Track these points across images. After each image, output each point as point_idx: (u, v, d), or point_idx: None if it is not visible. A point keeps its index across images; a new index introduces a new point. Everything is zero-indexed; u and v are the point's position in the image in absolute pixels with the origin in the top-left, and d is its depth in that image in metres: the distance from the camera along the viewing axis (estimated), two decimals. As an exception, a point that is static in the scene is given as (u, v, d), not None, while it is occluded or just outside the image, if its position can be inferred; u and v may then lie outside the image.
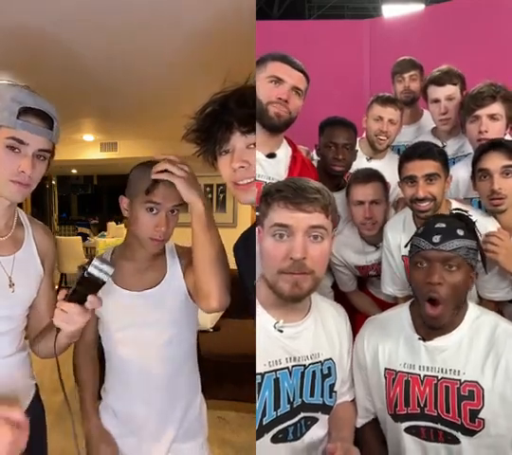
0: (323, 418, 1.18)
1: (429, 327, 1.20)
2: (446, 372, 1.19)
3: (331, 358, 1.20)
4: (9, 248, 1.24)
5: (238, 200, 1.13)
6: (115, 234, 7.90)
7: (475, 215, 1.58)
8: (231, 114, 1.07)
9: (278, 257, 1.05)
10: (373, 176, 1.89)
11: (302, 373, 1.14)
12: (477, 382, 1.15)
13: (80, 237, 7.46)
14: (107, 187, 12.87)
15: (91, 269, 1.02)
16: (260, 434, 1.07)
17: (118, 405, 1.42)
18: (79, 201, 15.14)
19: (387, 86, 2.36)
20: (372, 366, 1.27)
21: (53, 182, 13.37)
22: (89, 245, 7.75)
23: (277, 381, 1.09)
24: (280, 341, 1.12)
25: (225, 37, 2.37)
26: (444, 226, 1.19)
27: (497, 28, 2.63)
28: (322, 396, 1.16)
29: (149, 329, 1.35)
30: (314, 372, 1.16)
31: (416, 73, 2.31)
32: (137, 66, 2.94)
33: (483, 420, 1.14)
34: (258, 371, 1.07)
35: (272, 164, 1.50)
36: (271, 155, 1.50)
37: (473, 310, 1.24)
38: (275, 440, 1.10)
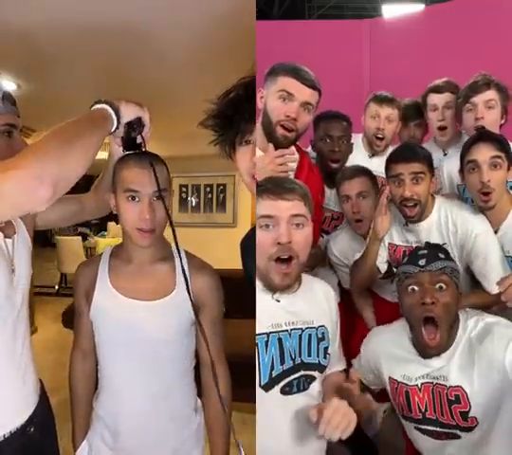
0: (320, 377, 1.27)
1: (426, 353, 1.29)
2: (438, 378, 1.29)
3: (324, 325, 1.27)
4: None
5: (254, 193, 1.13)
6: (115, 234, 7.90)
7: (465, 213, 1.60)
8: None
9: (266, 244, 1.14)
10: (359, 172, 1.92)
11: (300, 336, 1.22)
12: (460, 386, 1.24)
13: (80, 237, 7.43)
14: (107, 187, 12.82)
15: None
16: (269, 387, 1.16)
17: (107, 418, 1.32)
18: (79, 201, 15.12)
19: (387, 86, 2.35)
20: (378, 372, 1.41)
21: (53, 182, 13.37)
22: (89, 245, 7.74)
23: (280, 340, 1.19)
24: (279, 309, 1.21)
25: (225, 37, 2.37)
26: (426, 251, 1.31)
27: (497, 29, 2.63)
28: (318, 357, 1.25)
29: (142, 345, 1.24)
30: (310, 335, 1.24)
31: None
32: (137, 67, 2.94)
33: (475, 418, 1.22)
34: (260, 331, 1.18)
35: None
36: None
37: (463, 322, 1.30)
38: (283, 392, 1.18)
